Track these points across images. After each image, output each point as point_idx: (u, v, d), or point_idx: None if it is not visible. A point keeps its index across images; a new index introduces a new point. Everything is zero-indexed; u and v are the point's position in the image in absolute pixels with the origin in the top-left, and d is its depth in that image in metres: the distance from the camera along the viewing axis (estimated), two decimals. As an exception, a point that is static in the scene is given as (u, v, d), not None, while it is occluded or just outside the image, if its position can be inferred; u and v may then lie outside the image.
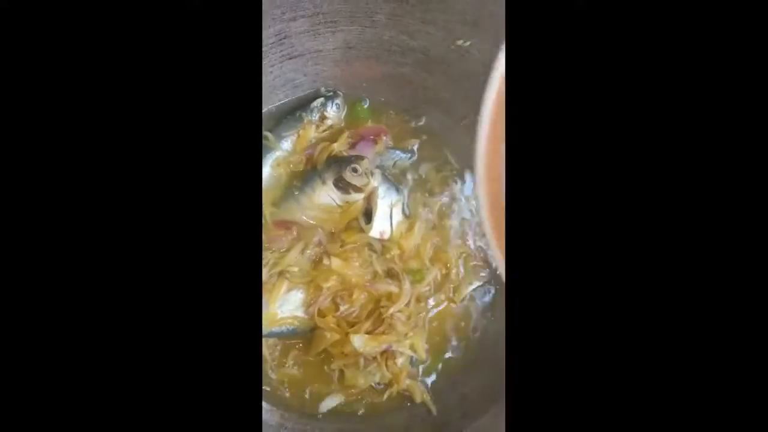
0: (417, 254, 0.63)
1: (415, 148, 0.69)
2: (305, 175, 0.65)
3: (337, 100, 0.67)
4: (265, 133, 0.66)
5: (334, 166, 0.63)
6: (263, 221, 0.63)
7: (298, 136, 0.66)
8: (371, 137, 0.66)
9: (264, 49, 0.61)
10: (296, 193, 0.64)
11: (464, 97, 0.66)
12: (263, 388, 0.61)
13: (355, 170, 0.61)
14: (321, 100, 0.67)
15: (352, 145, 0.66)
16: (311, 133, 0.66)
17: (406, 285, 0.61)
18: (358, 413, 0.62)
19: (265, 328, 0.60)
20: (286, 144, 0.66)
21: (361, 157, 0.63)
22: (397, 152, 0.68)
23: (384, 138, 0.66)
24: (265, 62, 0.62)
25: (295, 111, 0.67)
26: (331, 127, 0.67)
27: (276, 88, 0.66)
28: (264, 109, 0.67)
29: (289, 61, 0.64)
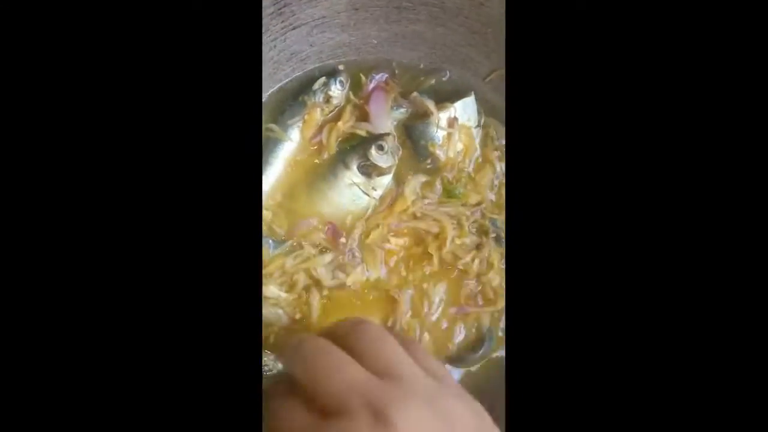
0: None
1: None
2: (327, 164, 0.60)
3: (341, 77, 0.61)
4: (269, 125, 0.60)
5: (358, 148, 0.58)
6: (291, 217, 0.59)
7: (304, 122, 0.60)
8: (379, 88, 0.61)
9: (263, 21, 0.56)
10: (318, 183, 0.59)
11: (488, 51, 0.60)
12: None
13: (381, 147, 0.56)
14: (323, 79, 0.61)
15: (366, 102, 0.61)
16: (317, 116, 0.61)
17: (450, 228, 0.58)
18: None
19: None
20: (294, 133, 0.61)
21: (387, 134, 0.58)
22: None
23: (393, 82, 0.62)
24: (266, 37, 0.57)
25: (297, 96, 0.61)
26: (337, 107, 0.62)
27: (281, 64, 0.60)
28: (274, 89, 0.62)
29: (292, 31, 0.58)
